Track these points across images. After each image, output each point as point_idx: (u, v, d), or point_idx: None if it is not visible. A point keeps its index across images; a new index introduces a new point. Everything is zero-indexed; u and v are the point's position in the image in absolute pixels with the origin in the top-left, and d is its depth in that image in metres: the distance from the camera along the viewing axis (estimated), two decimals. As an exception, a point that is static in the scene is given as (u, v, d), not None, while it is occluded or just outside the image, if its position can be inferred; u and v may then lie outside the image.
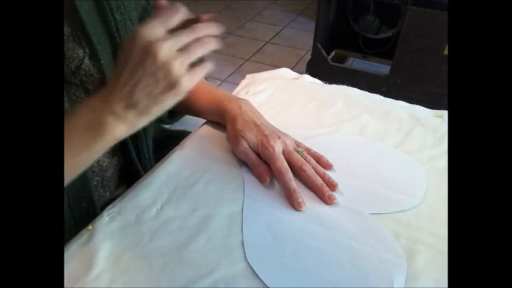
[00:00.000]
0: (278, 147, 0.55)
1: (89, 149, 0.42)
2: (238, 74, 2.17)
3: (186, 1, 0.45)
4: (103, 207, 0.60)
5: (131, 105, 0.41)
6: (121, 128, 0.42)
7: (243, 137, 0.56)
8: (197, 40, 0.41)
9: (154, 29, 0.39)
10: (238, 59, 2.32)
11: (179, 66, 0.39)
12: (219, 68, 2.26)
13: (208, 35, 0.42)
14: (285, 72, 0.81)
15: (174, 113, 0.73)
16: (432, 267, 0.44)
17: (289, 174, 0.53)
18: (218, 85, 2.07)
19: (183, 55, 0.40)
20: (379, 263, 0.44)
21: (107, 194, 0.61)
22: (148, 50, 0.38)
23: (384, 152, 0.61)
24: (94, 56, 0.52)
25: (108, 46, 0.54)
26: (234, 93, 0.75)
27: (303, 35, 2.56)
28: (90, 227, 0.48)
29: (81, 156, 0.43)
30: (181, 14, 0.41)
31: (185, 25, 0.41)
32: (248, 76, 0.79)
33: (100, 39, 0.53)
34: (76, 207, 0.54)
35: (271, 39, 2.57)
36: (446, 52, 1.63)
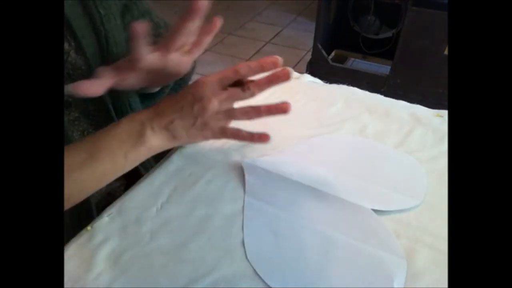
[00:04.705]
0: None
1: (126, 156, 0.47)
2: (238, 74, 2.17)
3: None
4: (98, 203, 0.60)
5: (167, 128, 0.48)
6: (155, 142, 0.48)
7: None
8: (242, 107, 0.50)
9: (213, 84, 0.47)
10: (238, 59, 2.32)
11: (215, 121, 0.49)
12: (219, 68, 2.26)
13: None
14: (285, 72, 0.81)
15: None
16: (432, 267, 0.44)
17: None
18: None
19: (224, 113, 0.49)
20: (379, 263, 0.44)
21: (104, 187, 0.62)
22: (202, 100, 0.47)
23: (384, 152, 0.61)
24: (79, 49, 0.53)
25: (93, 39, 0.54)
26: (234, 93, 0.75)
27: (303, 35, 2.56)
28: (88, 227, 0.48)
29: (118, 162, 0.47)
30: (238, 75, 0.48)
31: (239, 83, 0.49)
32: (248, 76, 0.79)
33: (85, 32, 0.53)
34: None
35: (271, 39, 2.58)
36: (446, 52, 1.63)
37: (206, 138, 0.50)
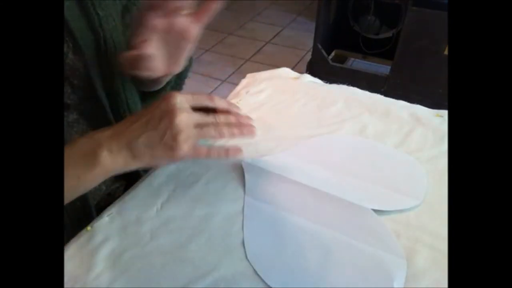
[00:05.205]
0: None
1: (79, 177, 0.44)
2: (238, 74, 2.17)
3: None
4: (98, 203, 0.59)
5: (128, 148, 0.44)
6: (111, 164, 0.44)
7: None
8: (215, 125, 0.47)
9: (183, 100, 0.45)
10: (238, 59, 2.32)
11: (185, 137, 0.44)
12: (219, 68, 2.26)
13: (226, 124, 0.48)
14: (285, 72, 0.81)
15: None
16: (432, 267, 0.44)
17: None
18: (218, 85, 2.07)
19: (195, 130, 0.45)
20: (379, 263, 0.44)
21: (103, 187, 0.61)
22: (171, 113, 0.44)
23: (384, 152, 0.61)
24: (78, 50, 0.53)
25: (92, 41, 0.54)
26: (234, 92, 0.75)
27: (303, 35, 2.56)
28: (88, 227, 0.48)
29: (71, 184, 0.44)
30: (214, 103, 0.48)
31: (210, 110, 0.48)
32: (248, 75, 0.79)
33: (83, 34, 0.53)
34: (69, 204, 0.54)
35: (271, 39, 2.57)
36: (446, 52, 1.63)
37: (175, 157, 0.44)
